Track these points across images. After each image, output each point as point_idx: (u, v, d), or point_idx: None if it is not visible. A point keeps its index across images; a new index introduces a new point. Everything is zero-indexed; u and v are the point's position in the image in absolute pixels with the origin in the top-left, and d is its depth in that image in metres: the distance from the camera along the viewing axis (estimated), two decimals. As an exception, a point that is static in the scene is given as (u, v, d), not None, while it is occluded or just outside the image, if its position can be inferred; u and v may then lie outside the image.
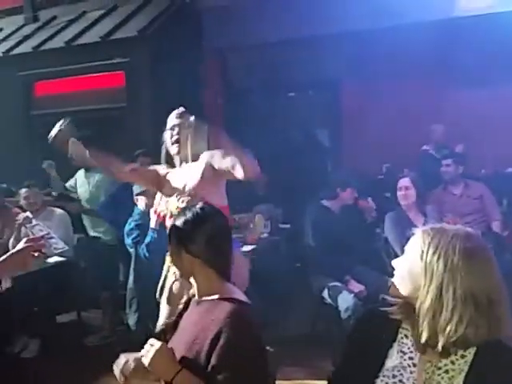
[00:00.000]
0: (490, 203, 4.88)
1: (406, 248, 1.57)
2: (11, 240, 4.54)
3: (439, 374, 1.49)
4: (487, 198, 4.88)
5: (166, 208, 2.93)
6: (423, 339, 1.46)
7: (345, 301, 3.91)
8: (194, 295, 1.94)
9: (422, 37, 5.37)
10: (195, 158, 2.94)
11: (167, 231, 2.01)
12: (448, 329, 1.41)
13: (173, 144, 3.00)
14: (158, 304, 3.42)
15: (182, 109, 3.09)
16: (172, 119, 3.05)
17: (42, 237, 2.58)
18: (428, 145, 6.04)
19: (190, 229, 1.87)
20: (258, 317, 1.84)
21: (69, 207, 5.14)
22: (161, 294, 2.92)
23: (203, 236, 1.85)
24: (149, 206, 4.08)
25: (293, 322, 4.69)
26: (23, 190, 4.93)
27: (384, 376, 1.55)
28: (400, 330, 1.58)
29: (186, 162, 2.99)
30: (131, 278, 4.13)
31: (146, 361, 1.75)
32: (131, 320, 4.11)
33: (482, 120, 5.87)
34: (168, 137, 3.03)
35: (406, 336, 1.57)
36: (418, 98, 6.19)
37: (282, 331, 4.28)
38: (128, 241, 4.14)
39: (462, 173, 4.94)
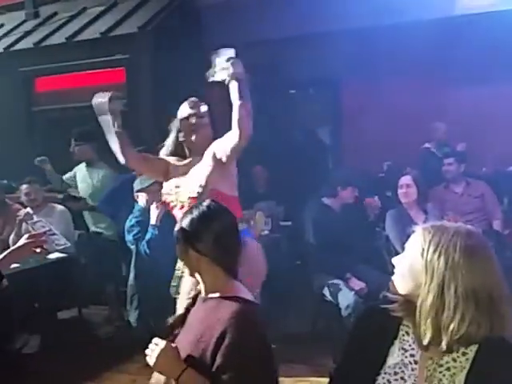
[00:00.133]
0: (491, 202, 4.89)
1: (406, 245, 1.57)
2: (11, 236, 4.55)
3: (441, 372, 1.49)
4: (488, 196, 4.89)
5: (176, 199, 2.92)
6: (427, 338, 1.46)
7: (345, 298, 3.92)
8: (200, 291, 1.94)
9: (423, 35, 5.37)
10: (206, 148, 2.92)
11: (175, 222, 2.01)
12: (451, 327, 1.41)
13: (189, 133, 2.96)
14: (159, 300, 3.43)
15: (194, 98, 3.05)
16: (186, 109, 3.00)
17: (44, 233, 2.58)
18: (429, 143, 6.04)
19: (197, 227, 1.87)
20: (263, 315, 1.83)
21: (75, 206, 5.16)
22: (177, 292, 2.90)
23: (210, 234, 1.85)
24: (149, 202, 4.09)
25: (293, 319, 4.69)
26: (24, 186, 4.94)
27: (385, 373, 1.55)
28: (401, 327, 1.58)
29: (198, 151, 2.95)
30: (132, 274, 4.13)
31: (150, 360, 1.76)
32: (132, 317, 4.11)
33: (483, 118, 5.87)
34: (184, 126, 2.97)
35: (408, 333, 1.56)
36: (419, 96, 6.18)
37: (282, 329, 4.28)
38: (129, 237, 4.14)
39: (463, 171, 4.94)
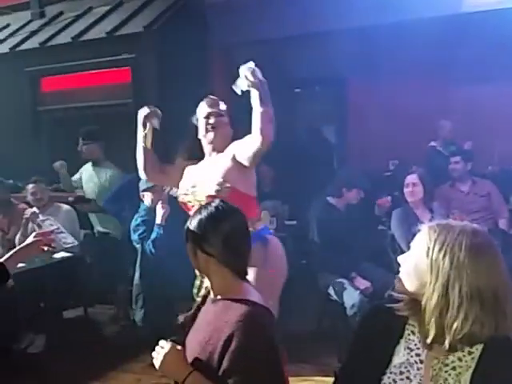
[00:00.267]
0: (498, 201, 4.87)
1: (411, 244, 1.56)
2: (18, 236, 4.56)
3: (446, 371, 1.48)
4: (494, 195, 4.87)
5: (194, 198, 2.90)
6: (430, 336, 1.46)
7: (350, 297, 3.91)
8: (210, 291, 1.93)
9: (429, 33, 5.35)
10: (225, 146, 2.91)
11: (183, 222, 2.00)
12: (454, 326, 1.41)
13: (209, 131, 2.93)
14: (164, 300, 3.43)
15: (213, 97, 3.03)
16: (205, 108, 2.98)
17: (52, 231, 2.58)
18: (435, 141, 6.02)
19: (205, 229, 1.84)
20: (272, 318, 1.82)
21: (85, 208, 5.18)
22: (198, 295, 2.89)
23: (219, 236, 1.82)
24: (155, 202, 4.10)
25: (298, 318, 4.68)
26: (30, 186, 4.95)
27: (391, 373, 1.54)
28: (406, 326, 1.57)
29: (216, 150, 2.94)
30: (137, 274, 4.14)
31: (156, 363, 1.76)
32: (137, 316, 4.12)
33: (489, 117, 5.85)
34: (203, 125, 2.96)
35: (413, 332, 1.56)
36: (425, 94, 6.16)
37: (287, 328, 4.28)
38: (134, 237, 4.15)
39: (469, 170, 4.93)
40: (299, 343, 4.11)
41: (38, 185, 4.95)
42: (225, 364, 1.68)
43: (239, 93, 2.64)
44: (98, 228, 5.27)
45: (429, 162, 5.65)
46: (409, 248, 1.58)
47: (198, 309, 1.96)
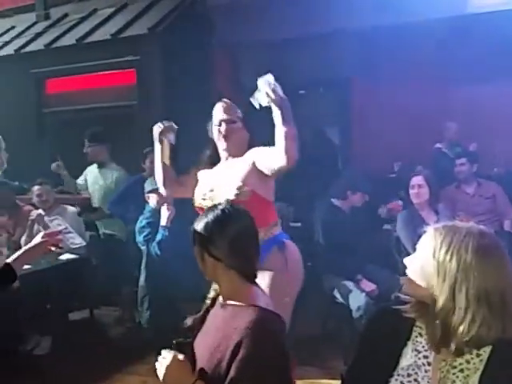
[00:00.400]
0: (503, 203, 4.85)
1: (417, 246, 1.55)
2: (23, 238, 4.57)
3: (454, 373, 1.47)
4: (500, 197, 4.85)
5: (212, 202, 2.88)
6: (437, 339, 1.45)
7: (356, 300, 3.90)
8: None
9: (433, 34, 5.34)
10: (241, 151, 2.88)
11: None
12: (461, 329, 1.40)
13: (222, 139, 2.89)
14: (169, 301, 3.41)
15: (227, 101, 2.95)
16: (217, 114, 2.92)
17: (60, 231, 2.57)
18: (441, 143, 6.00)
19: (211, 232, 1.80)
20: (282, 324, 1.78)
21: (92, 217, 5.19)
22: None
23: (225, 239, 1.78)
24: (160, 203, 4.10)
25: (304, 321, 4.67)
26: (36, 188, 4.96)
27: (399, 375, 1.54)
28: (414, 328, 1.57)
29: (232, 155, 2.90)
30: (142, 275, 4.14)
31: (159, 375, 1.74)
32: (143, 318, 4.12)
33: (494, 118, 5.83)
34: (215, 133, 2.91)
35: (421, 334, 1.55)
36: (429, 95, 6.16)
37: (292, 330, 4.26)
38: (139, 238, 4.15)
39: (475, 171, 4.91)
40: (304, 346, 4.09)
41: (43, 186, 4.95)
42: (232, 372, 1.64)
43: (258, 107, 2.59)
44: (104, 230, 5.28)
45: (434, 164, 5.64)
46: (414, 250, 1.57)
47: (207, 311, 1.92)
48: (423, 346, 1.54)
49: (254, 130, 2.95)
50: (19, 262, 2.30)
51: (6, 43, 7.41)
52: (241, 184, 2.74)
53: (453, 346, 1.42)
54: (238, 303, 1.78)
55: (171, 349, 1.77)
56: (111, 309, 5.15)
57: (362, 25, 5.95)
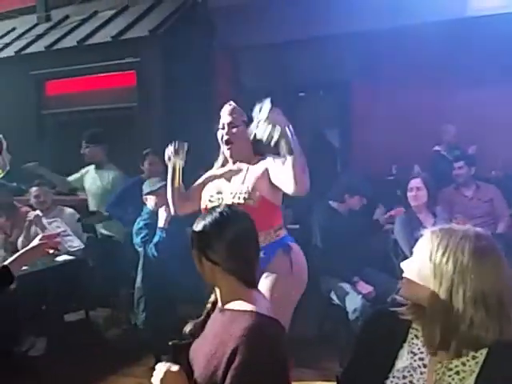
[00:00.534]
0: (501, 206, 4.84)
1: (414, 249, 1.55)
2: (20, 239, 4.57)
3: (450, 375, 1.47)
4: (497, 200, 4.85)
5: (220, 204, 2.86)
6: (435, 342, 1.45)
7: (352, 302, 3.89)
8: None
9: (433, 37, 5.34)
10: (246, 155, 2.86)
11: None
12: (459, 331, 1.40)
13: (224, 144, 2.87)
14: (166, 303, 3.39)
15: (233, 104, 2.93)
16: (224, 116, 2.89)
17: (58, 234, 2.56)
18: (440, 145, 6.00)
19: (209, 235, 1.77)
20: (280, 329, 1.74)
21: (91, 221, 5.18)
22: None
23: (223, 242, 1.74)
24: (158, 205, 4.09)
25: (300, 322, 4.65)
26: (33, 189, 4.96)
27: (394, 377, 1.53)
28: (410, 330, 1.56)
29: (237, 159, 2.88)
30: (139, 277, 4.13)
31: None
32: (139, 319, 4.11)
33: (493, 121, 5.83)
34: (219, 136, 2.89)
35: (417, 336, 1.55)
36: (428, 98, 6.16)
37: (289, 332, 4.25)
38: (137, 240, 4.14)
39: (473, 174, 4.91)
40: (300, 347, 4.08)
41: (41, 188, 4.95)
42: (228, 381, 1.60)
43: (272, 144, 2.54)
44: (101, 231, 5.27)
45: (433, 167, 5.64)
46: (411, 253, 1.57)
47: (208, 315, 1.88)
48: (419, 349, 1.53)
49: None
50: (17, 264, 2.30)
51: (7, 45, 7.43)
52: (251, 189, 2.73)
53: (452, 349, 1.42)
54: (236, 308, 1.74)
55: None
56: (107, 310, 5.13)
57: (362, 28, 5.96)
